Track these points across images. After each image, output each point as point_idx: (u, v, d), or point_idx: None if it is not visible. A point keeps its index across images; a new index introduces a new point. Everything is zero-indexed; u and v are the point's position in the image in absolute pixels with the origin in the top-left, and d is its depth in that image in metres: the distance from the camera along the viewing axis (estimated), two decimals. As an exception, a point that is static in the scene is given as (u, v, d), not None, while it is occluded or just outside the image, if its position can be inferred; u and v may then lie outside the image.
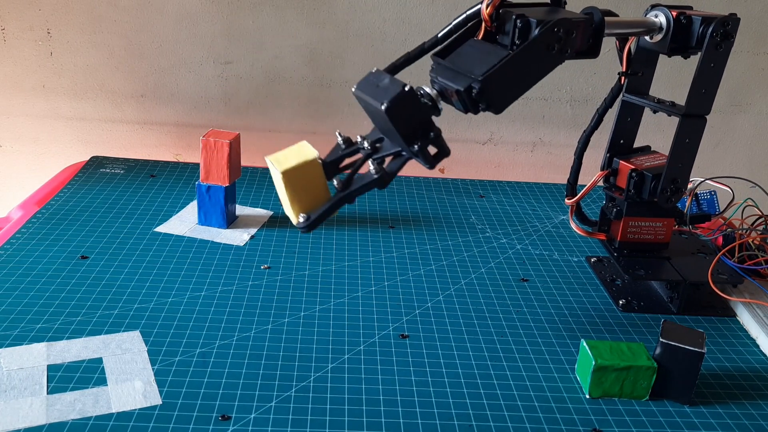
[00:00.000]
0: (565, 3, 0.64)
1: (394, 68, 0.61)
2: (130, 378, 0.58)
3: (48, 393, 0.56)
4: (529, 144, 1.22)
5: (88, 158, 1.06)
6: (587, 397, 0.61)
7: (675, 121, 0.68)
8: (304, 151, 0.58)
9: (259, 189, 0.99)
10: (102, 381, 0.58)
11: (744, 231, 0.81)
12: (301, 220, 0.58)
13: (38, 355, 0.60)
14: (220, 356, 0.62)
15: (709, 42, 0.68)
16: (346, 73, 1.14)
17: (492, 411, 0.58)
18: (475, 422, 0.57)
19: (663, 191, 0.72)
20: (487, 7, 0.59)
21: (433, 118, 0.58)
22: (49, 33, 1.10)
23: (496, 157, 1.23)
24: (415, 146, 0.56)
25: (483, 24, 0.61)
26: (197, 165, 1.03)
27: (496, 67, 0.57)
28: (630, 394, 0.60)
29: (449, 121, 1.19)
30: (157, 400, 0.56)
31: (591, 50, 0.63)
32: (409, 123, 0.55)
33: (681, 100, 1.20)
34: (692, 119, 0.71)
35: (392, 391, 0.59)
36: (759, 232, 0.80)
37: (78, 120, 1.17)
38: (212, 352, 0.63)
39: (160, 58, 1.12)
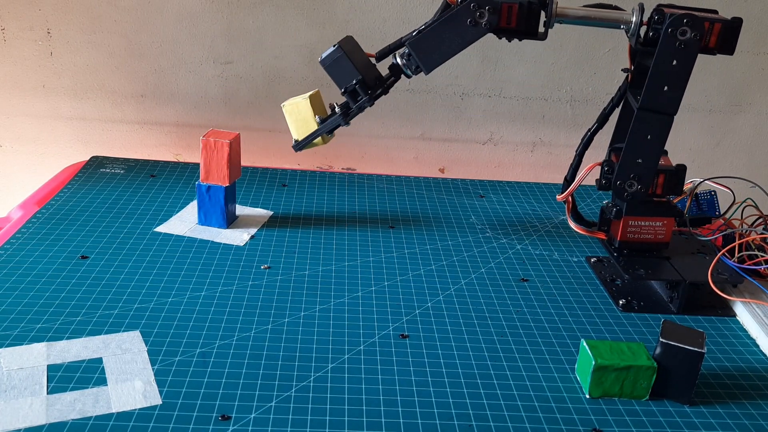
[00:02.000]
0: None
1: (389, 50, 0.78)
2: (130, 378, 0.58)
3: (48, 393, 0.56)
4: (529, 144, 1.22)
5: (88, 158, 1.06)
6: (587, 397, 0.61)
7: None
8: (305, 95, 0.81)
9: (259, 189, 0.99)
10: (102, 381, 0.58)
11: (744, 231, 0.81)
12: (294, 143, 0.82)
13: (38, 355, 0.60)
14: (220, 356, 0.62)
15: (664, 38, 0.68)
16: (346, 73, 1.14)
17: (492, 411, 0.58)
18: (475, 422, 0.57)
19: (618, 184, 0.73)
20: None
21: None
22: (49, 33, 1.10)
23: (496, 157, 1.23)
24: (342, 89, 0.76)
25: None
26: (197, 165, 1.03)
27: (420, 34, 0.73)
28: (630, 394, 0.60)
29: (449, 121, 1.19)
30: (157, 400, 0.56)
31: (534, 33, 0.72)
32: (341, 74, 0.76)
33: (683, 99, 1.19)
34: (650, 114, 0.71)
35: (392, 391, 0.59)
36: (759, 233, 0.80)
37: (78, 120, 1.17)
38: (212, 352, 0.63)
39: (160, 58, 1.12)
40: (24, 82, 1.13)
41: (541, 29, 0.73)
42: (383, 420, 0.56)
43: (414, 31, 0.76)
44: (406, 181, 1.06)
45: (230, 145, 0.83)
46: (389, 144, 1.21)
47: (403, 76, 0.78)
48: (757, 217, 0.82)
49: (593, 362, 0.59)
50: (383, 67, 0.80)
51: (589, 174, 0.77)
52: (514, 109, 1.19)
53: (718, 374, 0.65)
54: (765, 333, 0.70)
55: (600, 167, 0.76)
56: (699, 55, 0.70)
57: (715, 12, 0.72)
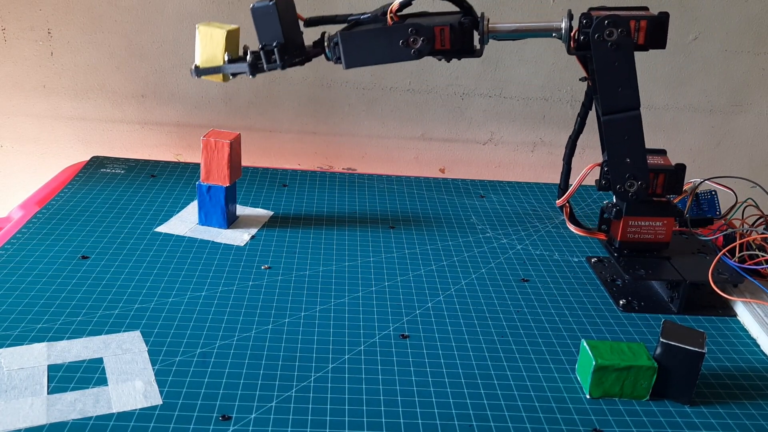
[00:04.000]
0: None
1: (320, 21, 0.78)
2: (131, 378, 0.58)
3: (48, 393, 0.56)
4: (529, 144, 1.22)
5: (88, 158, 1.06)
6: (588, 397, 0.61)
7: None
8: (225, 27, 0.77)
9: (260, 189, 1.00)
10: (102, 381, 0.58)
11: (744, 231, 0.81)
12: (193, 67, 0.78)
13: (39, 355, 0.60)
14: (220, 356, 0.62)
15: (594, 44, 0.69)
16: (346, 73, 1.14)
17: (492, 411, 0.58)
18: (475, 422, 0.57)
19: (618, 188, 0.73)
20: (392, 11, 0.74)
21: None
22: (49, 33, 1.10)
23: (496, 157, 1.23)
24: (261, 45, 0.74)
25: None
26: (198, 165, 1.03)
27: (355, 31, 0.73)
28: (630, 394, 0.60)
29: (450, 121, 1.19)
30: (157, 400, 0.56)
31: (470, 51, 0.74)
32: (265, 30, 0.74)
33: (681, 99, 1.20)
34: (616, 116, 0.71)
35: (392, 391, 0.59)
36: (759, 232, 0.80)
37: (78, 120, 1.17)
38: (213, 352, 0.63)
39: (160, 58, 1.12)
40: (24, 82, 1.13)
41: (477, 46, 0.75)
42: (383, 420, 0.56)
43: (353, 19, 0.76)
44: (407, 181, 1.06)
45: (231, 145, 0.83)
46: (389, 144, 1.21)
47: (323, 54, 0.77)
48: (757, 216, 0.82)
49: (594, 362, 0.59)
50: (313, 34, 0.78)
51: (588, 174, 0.77)
52: (515, 110, 1.19)
53: (719, 374, 0.65)
54: (766, 333, 0.70)
55: (600, 168, 0.76)
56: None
57: (645, 9, 0.72)
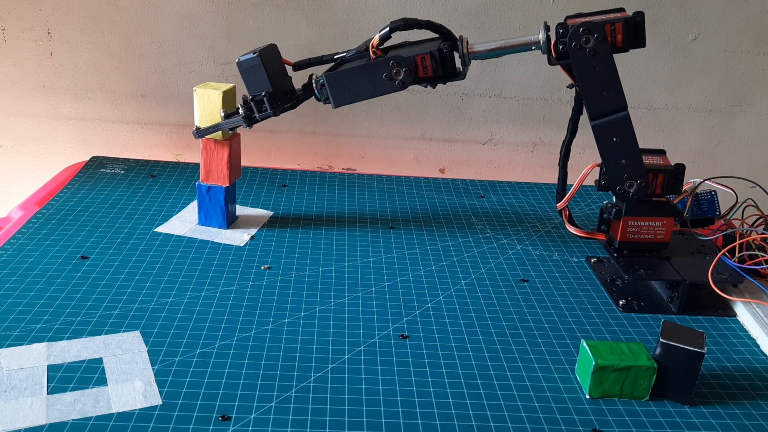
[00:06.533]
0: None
1: (308, 63, 0.81)
2: (131, 378, 0.58)
3: (48, 393, 0.56)
4: (529, 144, 1.22)
5: (88, 158, 1.06)
6: (587, 397, 0.61)
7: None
8: (221, 87, 0.80)
9: (260, 189, 1.00)
10: (102, 381, 0.58)
11: (744, 231, 0.81)
12: (194, 129, 0.81)
13: (38, 355, 0.60)
14: (220, 356, 0.62)
15: (572, 53, 0.70)
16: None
17: (492, 411, 0.58)
18: (475, 422, 0.57)
19: (618, 189, 0.74)
20: (374, 45, 0.75)
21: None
22: (49, 33, 1.10)
23: (496, 157, 1.23)
24: (251, 97, 0.76)
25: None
26: (197, 165, 1.03)
27: (339, 71, 0.75)
28: (630, 395, 0.60)
29: (450, 121, 1.19)
30: (157, 401, 0.56)
31: (454, 74, 0.75)
32: (253, 81, 0.75)
33: (681, 99, 1.20)
34: (605, 120, 0.72)
35: (392, 392, 0.59)
36: (759, 232, 0.80)
37: (78, 120, 1.17)
38: (212, 352, 0.63)
39: (160, 58, 1.12)
40: (24, 82, 1.13)
41: (460, 69, 0.75)
42: (383, 420, 0.56)
43: (338, 57, 0.78)
44: (406, 181, 1.06)
45: (230, 145, 0.83)
46: (389, 144, 1.21)
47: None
48: (757, 216, 0.82)
49: (593, 362, 0.59)
50: (302, 76, 0.80)
51: (588, 175, 0.77)
52: (515, 110, 1.19)
53: (718, 374, 0.65)
54: (765, 333, 0.70)
55: (599, 168, 0.76)
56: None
57: (622, 10, 0.72)
